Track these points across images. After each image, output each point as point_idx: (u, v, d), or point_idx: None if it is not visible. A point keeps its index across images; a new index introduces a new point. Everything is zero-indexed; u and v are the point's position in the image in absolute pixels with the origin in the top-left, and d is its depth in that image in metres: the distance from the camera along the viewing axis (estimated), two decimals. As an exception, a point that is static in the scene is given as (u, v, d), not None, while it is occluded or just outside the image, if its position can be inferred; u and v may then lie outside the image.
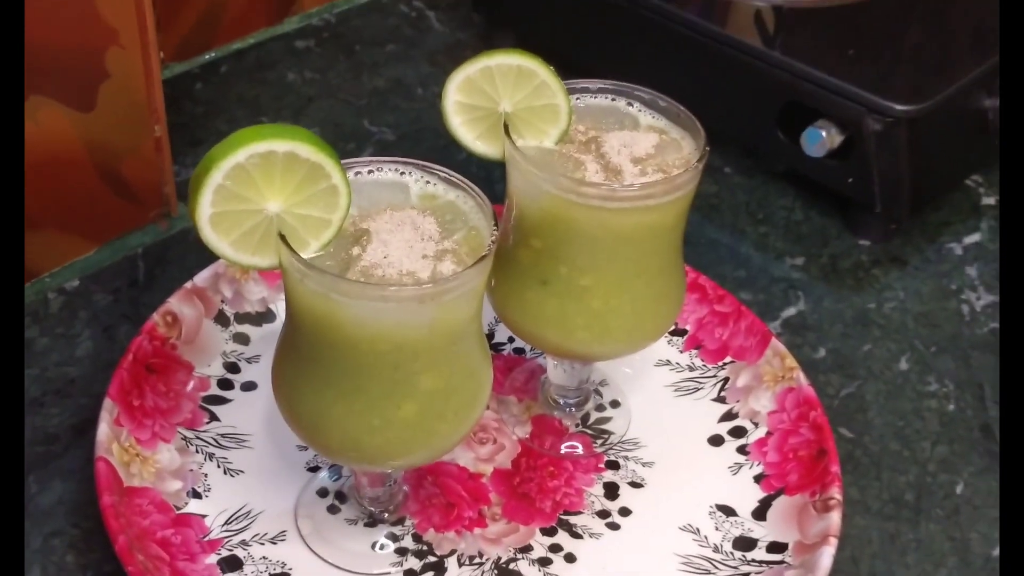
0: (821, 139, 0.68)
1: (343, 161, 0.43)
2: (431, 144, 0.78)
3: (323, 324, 0.42)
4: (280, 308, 0.62)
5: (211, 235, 0.41)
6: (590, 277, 0.49)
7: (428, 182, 0.46)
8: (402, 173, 0.46)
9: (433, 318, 0.42)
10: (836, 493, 0.52)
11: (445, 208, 0.45)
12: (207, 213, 0.41)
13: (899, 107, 0.66)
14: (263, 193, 0.41)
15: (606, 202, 0.47)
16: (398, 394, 0.44)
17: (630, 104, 0.52)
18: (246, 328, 0.61)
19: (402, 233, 0.43)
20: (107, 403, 0.53)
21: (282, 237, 0.42)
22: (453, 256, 0.43)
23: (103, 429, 0.52)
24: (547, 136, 0.49)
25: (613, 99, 0.52)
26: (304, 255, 0.42)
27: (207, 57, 0.84)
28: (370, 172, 0.46)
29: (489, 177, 0.62)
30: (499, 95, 0.48)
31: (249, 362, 0.60)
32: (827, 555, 0.50)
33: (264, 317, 0.62)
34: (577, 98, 0.51)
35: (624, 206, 0.47)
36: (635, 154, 0.49)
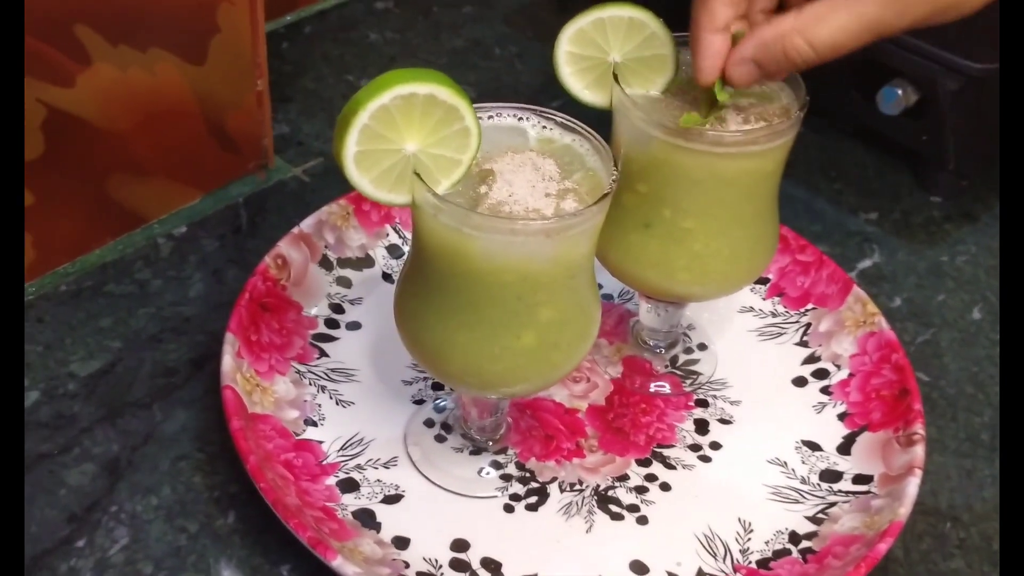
0: (896, 97, 0.70)
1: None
2: (511, 101, 0.80)
3: (453, 257, 0.45)
4: (378, 255, 0.66)
5: (354, 172, 0.44)
6: (692, 220, 0.52)
7: (545, 127, 0.49)
8: (520, 119, 0.49)
9: (556, 252, 0.45)
10: (919, 429, 0.55)
11: (562, 151, 0.48)
12: (352, 151, 0.44)
13: (975, 66, 0.68)
14: (403, 133, 0.44)
15: (713, 147, 0.50)
16: (518, 324, 0.47)
17: (730, 56, 0.54)
18: (348, 272, 0.64)
19: (524, 174, 0.46)
20: (228, 337, 0.57)
21: (417, 175, 0.45)
22: (574, 195, 0.46)
23: (227, 360, 0.55)
24: (654, 85, 0.52)
25: (714, 52, 0.54)
26: (435, 193, 0.45)
27: (289, 18, 0.87)
28: (490, 117, 0.49)
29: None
30: (609, 46, 0.51)
31: (352, 304, 0.63)
32: (913, 485, 0.53)
33: (364, 262, 0.65)
34: (679, 50, 0.53)
35: (730, 151, 0.50)
36: (738, 103, 0.51)
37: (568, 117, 0.49)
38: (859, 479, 0.56)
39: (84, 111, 0.60)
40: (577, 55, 0.51)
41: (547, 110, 0.49)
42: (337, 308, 0.63)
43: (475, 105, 0.48)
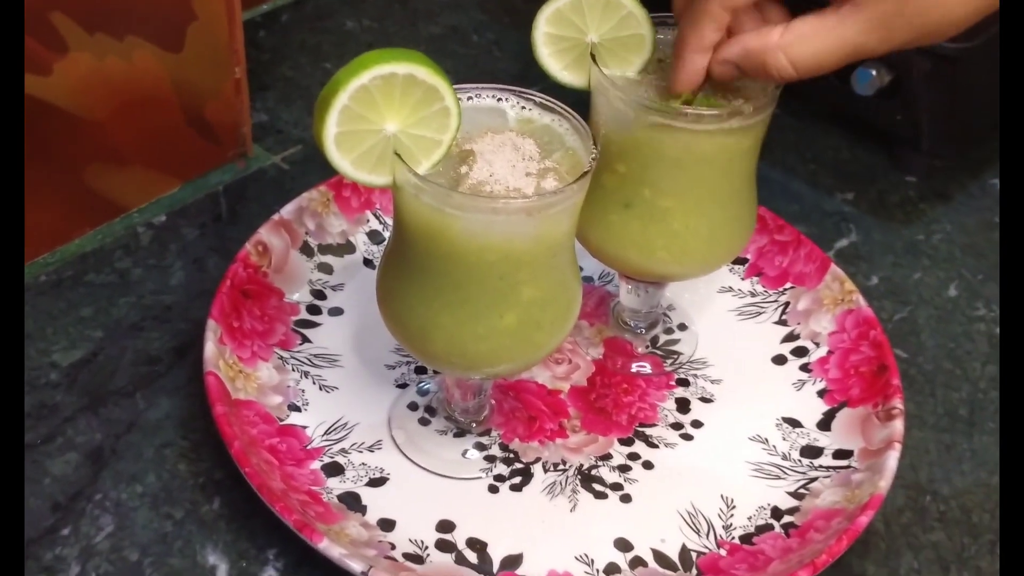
0: (871, 78, 0.71)
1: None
2: (490, 86, 0.81)
3: (435, 238, 0.46)
4: (359, 240, 0.66)
5: (335, 153, 0.44)
6: (672, 199, 0.53)
7: (524, 107, 0.49)
8: (499, 99, 0.49)
9: (537, 231, 0.46)
10: (898, 403, 0.56)
11: (542, 131, 0.48)
12: (332, 132, 0.44)
13: (948, 46, 0.68)
14: (383, 114, 0.44)
15: (690, 125, 0.50)
16: (502, 304, 0.47)
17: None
18: (329, 258, 0.64)
19: (504, 153, 0.47)
20: (210, 324, 0.57)
21: (398, 155, 0.45)
22: (554, 173, 0.46)
23: (209, 347, 0.55)
24: (631, 65, 0.52)
25: (690, 32, 0.55)
26: (416, 173, 0.45)
27: (265, 7, 0.86)
28: (469, 99, 0.49)
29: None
30: (587, 26, 0.51)
31: (334, 290, 0.63)
32: (892, 458, 0.53)
33: (345, 248, 0.65)
34: (657, 29, 0.53)
35: (708, 128, 0.50)
36: (715, 82, 0.51)
37: (547, 97, 0.49)
38: (839, 454, 0.56)
39: (61, 100, 0.60)
40: (555, 36, 0.51)
41: (526, 91, 0.50)
42: (319, 294, 0.63)
43: (455, 86, 0.49)
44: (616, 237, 0.54)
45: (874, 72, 0.71)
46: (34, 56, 0.58)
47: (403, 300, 0.49)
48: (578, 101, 0.52)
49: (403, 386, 0.59)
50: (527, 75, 0.80)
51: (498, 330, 0.48)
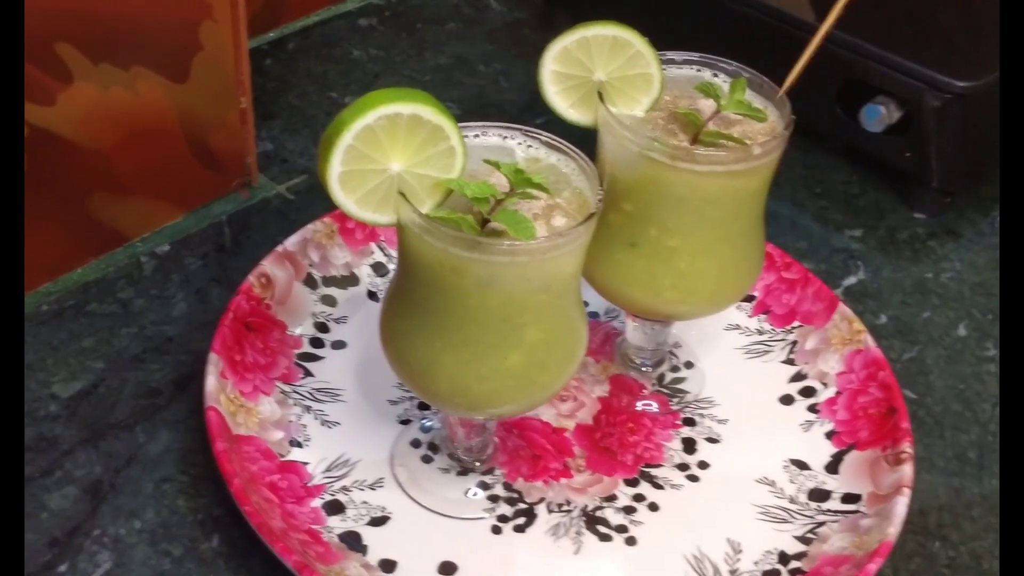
0: (880, 115, 0.71)
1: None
2: (496, 119, 0.80)
3: (438, 278, 0.45)
4: (363, 273, 0.65)
5: (339, 192, 0.44)
6: (678, 239, 0.52)
7: (530, 146, 0.49)
8: (505, 137, 0.49)
9: (542, 273, 0.45)
10: (907, 447, 0.55)
11: (548, 170, 0.48)
12: (337, 172, 0.43)
13: (958, 83, 0.68)
14: (387, 153, 0.44)
15: (698, 166, 0.49)
16: (505, 345, 0.47)
17: (715, 75, 0.54)
18: (332, 291, 0.64)
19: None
20: (212, 357, 0.56)
21: (403, 195, 0.44)
22: (562, 212, 0.46)
23: (211, 381, 0.55)
24: (639, 104, 0.52)
25: (699, 70, 0.54)
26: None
27: (272, 35, 0.86)
28: (475, 136, 0.49)
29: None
30: (594, 65, 0.51)
31: (337, 322, 0.63)
32: (901, 504, 0.52)
33: (349, 280, 0.65)
34: (664, 68, 0.53)
35: (716, 170, 0.50)
36: (726, 121, 0.51)
37: (553, 136, 0.49)
38: (848, 498, 0.56)
39: (65, 130, 0.60)
40: (562, 74, 0.51)
41: (532, 129, 0.49)
42: (322, 327, 0.62)
43: (460, 124, 0.48)
44: (622, 276, 0.54)
45: (883, 109, 0.70)
46: (39, 86, 0.57)
47: (406, 339, 0.48)
48: (584, 138, 0.52)
49: (406, 422, 0.58)
50: (533, 107, 0.80)
51: (501, 371, 0.47)
